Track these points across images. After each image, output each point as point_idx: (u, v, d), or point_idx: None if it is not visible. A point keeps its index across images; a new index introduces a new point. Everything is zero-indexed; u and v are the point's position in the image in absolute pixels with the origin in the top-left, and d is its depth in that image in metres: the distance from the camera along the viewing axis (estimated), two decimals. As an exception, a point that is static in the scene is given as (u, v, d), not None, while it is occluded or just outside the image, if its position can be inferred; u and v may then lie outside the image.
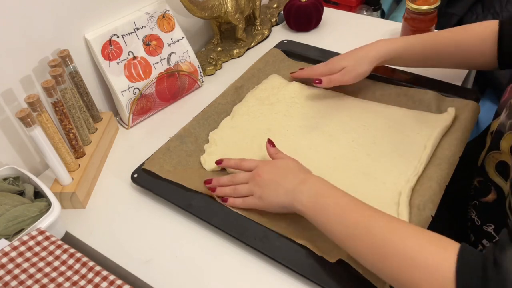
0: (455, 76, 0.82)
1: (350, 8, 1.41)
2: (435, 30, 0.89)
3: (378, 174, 0.65)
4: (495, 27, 0.67)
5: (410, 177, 0.63)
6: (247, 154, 0.70)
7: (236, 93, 0.82)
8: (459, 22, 1.34)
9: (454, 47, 0.70)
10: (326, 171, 0.66)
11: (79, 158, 0.71)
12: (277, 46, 0.93)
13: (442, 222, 0.70)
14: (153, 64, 0.82)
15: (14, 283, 0.49)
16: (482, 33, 0.68)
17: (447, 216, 0.70)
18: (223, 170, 0.70)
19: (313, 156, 0.70)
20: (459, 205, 0.69)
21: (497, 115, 0.65)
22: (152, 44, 0.82)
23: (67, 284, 0.50)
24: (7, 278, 0.50)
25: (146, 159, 0.70)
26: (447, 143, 0.67)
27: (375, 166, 0.67)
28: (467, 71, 0.85)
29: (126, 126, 0.82)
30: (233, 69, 0.87)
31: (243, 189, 0.62)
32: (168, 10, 0.85)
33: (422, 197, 0.60)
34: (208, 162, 0.71)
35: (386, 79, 0.81)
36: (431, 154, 0.66)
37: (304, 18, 1.00)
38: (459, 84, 0.80)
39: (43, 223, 0.58)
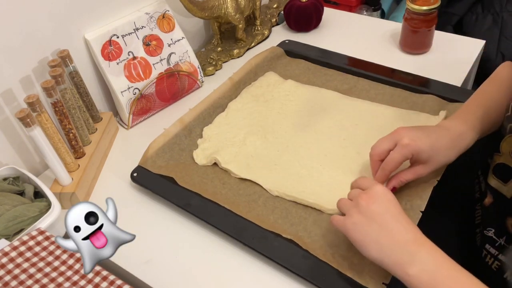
0: (455, 76, 0.82)
1: (350, 8, 1.41)
2: (435, 31, 0.89)
3: (367, 173, 0.66)
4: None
5: None
6: (240, 151, 0.71)
7: (233, 88, 0.83)
8: (459, 22, 1.34)
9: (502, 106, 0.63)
10: (317, 168, 0.68)
11: (79, 158, 0.71)
12: (278, 46, 0.93)
13: (449, 226, 0.69)
14: (153, 64, 0.82)
15: (14, 283, 0.50)
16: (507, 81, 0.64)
17: (455, 220, 0.70)
18: (215, 165, 0.70)
19: (304, 154, 0.70)
20: (466, 209, 0.68)
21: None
22: (152, 44, 0.82)
23: (67, 284, 0.50)
24: (7, 278, 0.50)
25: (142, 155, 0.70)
26: None
27: (365, 164, 0.67)
28: (467, 71, 0.85)
29: (126, 126, 0.82)
30: (233, 69, 0.87)
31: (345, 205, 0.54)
32: (168, 10, 0.85)
33: (409, 196, 0.60)
34: (200, 157, 0.71)
35: (384, 79, 0.81)
36: None
37: (304, 18, 1.00)
38: (459, 85, 0.80)
39: (43, 223, 0.58)
